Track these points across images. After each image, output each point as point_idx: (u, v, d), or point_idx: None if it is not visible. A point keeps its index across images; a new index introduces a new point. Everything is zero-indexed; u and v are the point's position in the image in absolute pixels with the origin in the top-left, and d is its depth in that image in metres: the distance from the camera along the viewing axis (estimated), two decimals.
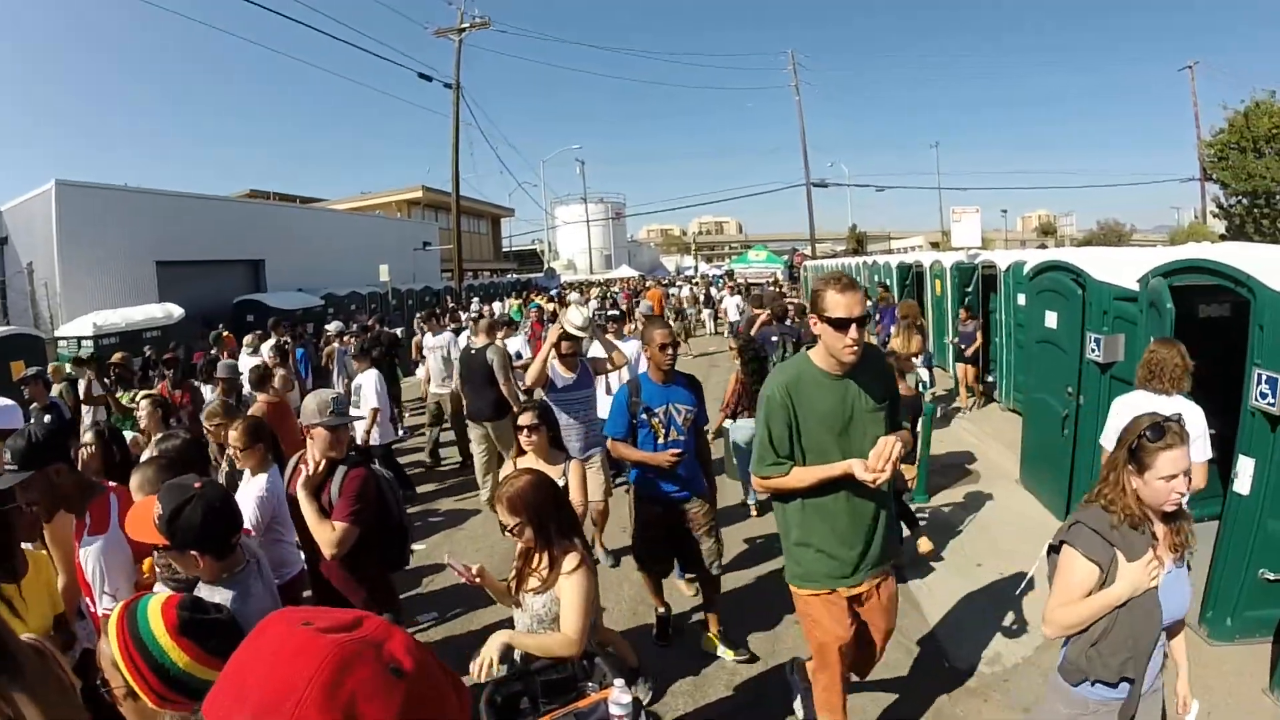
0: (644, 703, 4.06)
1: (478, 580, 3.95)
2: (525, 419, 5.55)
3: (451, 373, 12.13)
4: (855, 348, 3.92)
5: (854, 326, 3.86)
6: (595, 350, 8.93)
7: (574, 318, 7.96)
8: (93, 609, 3.98)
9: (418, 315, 21.67)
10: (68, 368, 13.16)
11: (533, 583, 3.99)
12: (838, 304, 3.87)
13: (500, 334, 11.88)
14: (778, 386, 4.09)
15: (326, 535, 4.39)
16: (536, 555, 3.98)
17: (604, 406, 7.91)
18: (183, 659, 2.05)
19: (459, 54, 34.76)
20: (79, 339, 20.84)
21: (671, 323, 12.65)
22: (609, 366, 8.37)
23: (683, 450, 5.90)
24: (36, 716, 2.54)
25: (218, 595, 2.97)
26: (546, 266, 62.53)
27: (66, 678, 2.84)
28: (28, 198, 27.48)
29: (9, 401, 7.07)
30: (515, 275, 60.07)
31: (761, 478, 4.22)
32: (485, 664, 3.55)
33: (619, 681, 3.34)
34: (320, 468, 4.59)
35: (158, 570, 3.48)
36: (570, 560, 3.89)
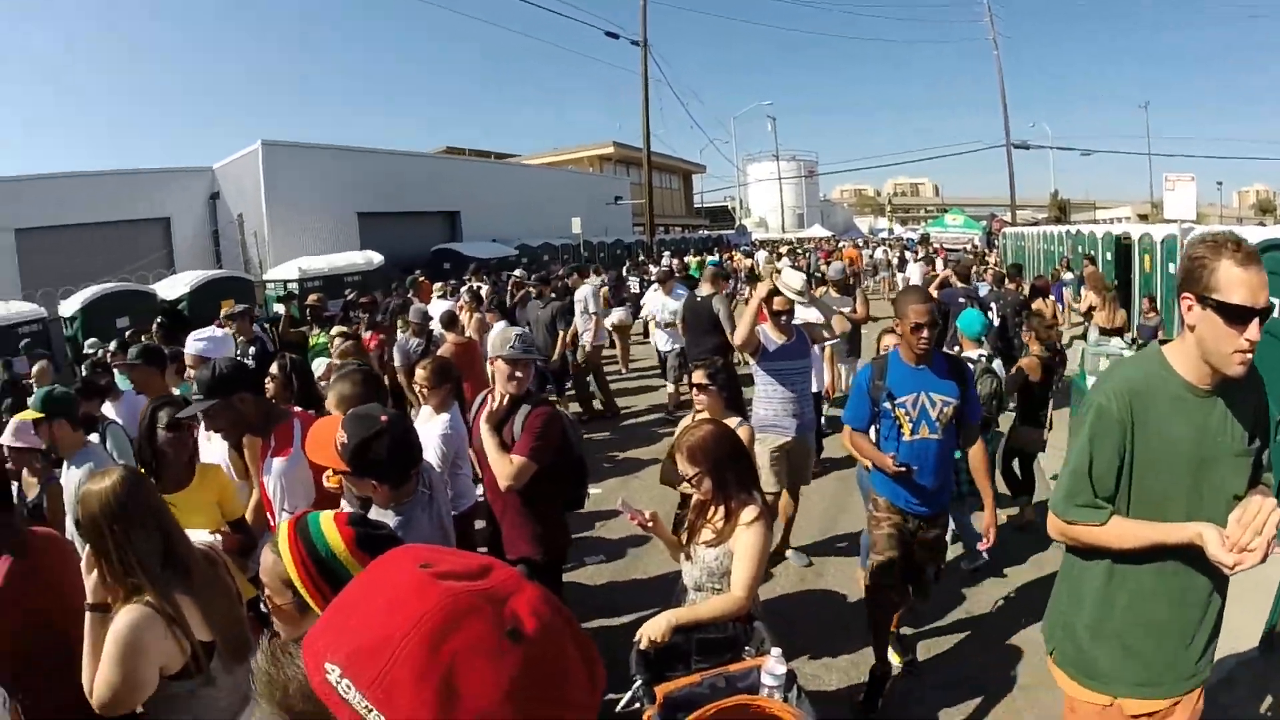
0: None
1: (650, 525, 3.84)
2: (697, 376, 5.49)
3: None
4: (1249, 354, 2.53)
5: (1256, 322, 2.48)
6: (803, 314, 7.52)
7: (790, 279, 6.93)
8: (272, 525, 4.12)
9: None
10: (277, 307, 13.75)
11: (706, 535, 3.85)
12: (1238, 283, 2.47)
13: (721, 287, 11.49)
14: (1116, 394, 2.75)
15: (504, 468, 4.35)
16: (712, 507, 3.84)
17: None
18: (355, 565, 2.06)
19: (644, 10, 34.65)
20: (284, 282, 22.18)
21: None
22: (826, 335, 7.57)
23: (924, 457, 4.75)
24: (196, 616, 2.74)
25: (386, 519, 3.14)
26: (738, 223, 62.05)
27: (234, 585, 3.03)
28: (237, 156, 29.74)
29: (224, 331, 7.57)
30: (706, 231, 59.51)
31: (1065, 521, 2.87)
32: (647, 640, 3.42)
33: (776, 651, 3.21)
34: (503, 402, 4.53)
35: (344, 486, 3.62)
36: (748, 512, 3.73)
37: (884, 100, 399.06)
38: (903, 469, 4.67)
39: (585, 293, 13.02)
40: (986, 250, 37.33)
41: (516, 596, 0.89)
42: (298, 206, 28.57)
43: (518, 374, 4.53)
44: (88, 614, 2.82)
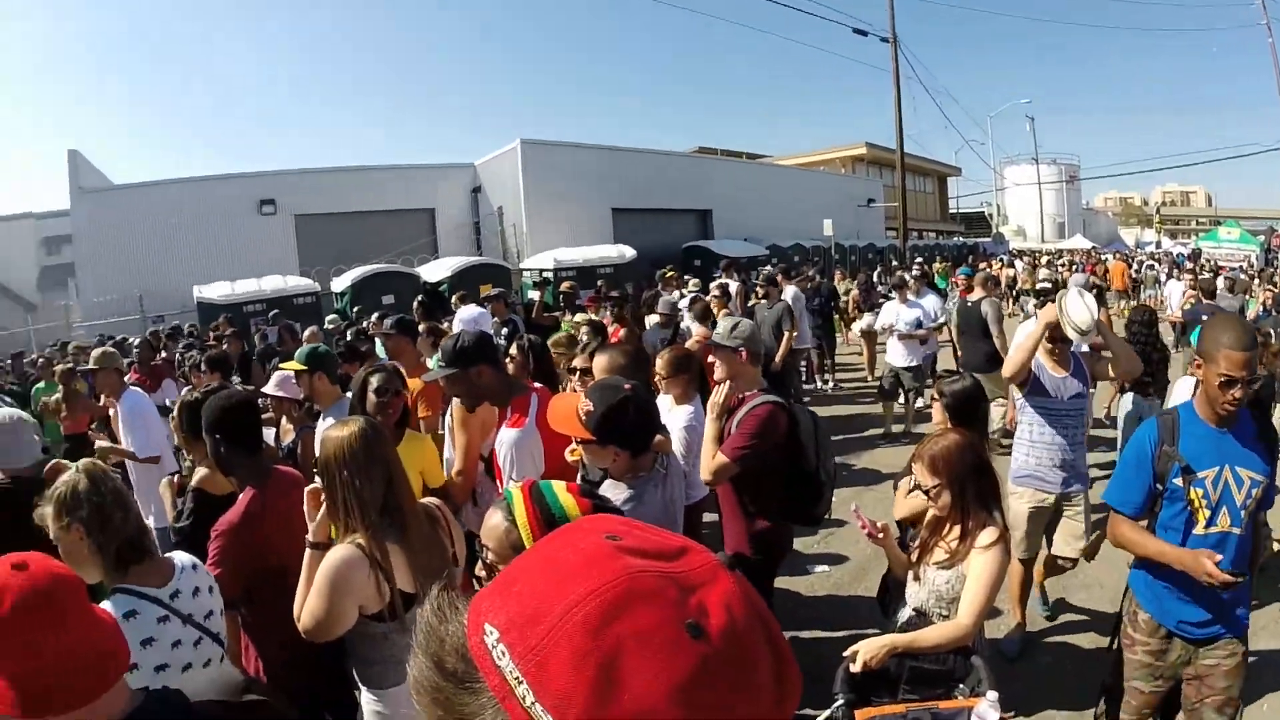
0: None
1: (880, 537, 3.63)
2: (939, 386, 4.96)
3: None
4: None
5: None
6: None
7: (1076, 313, 5.21)
8: (499, 493, 4.17)
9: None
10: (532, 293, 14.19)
11: (938, 555, 3.59)
12: None
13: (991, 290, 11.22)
14: None
15: (706, 462, 4.29)
16: (949, 524, 3.58)
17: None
18: None
19: (891, 5, 33.72)
20: (540, 270, 22.93)
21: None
22: (1111, 374, 5.83)
23: (1237, 559, 3.43)
24: (403, 565, 2.93)
25: (618, 492, 3.23)
26: (994, 231, 59.70)
27: (450, 546, 3.19)
28: (498, 154, 31.94)
29: (482, 310, 7.95)
30: (961, 239, 57.36)
31: None
32: (861, 662, 3.22)
33: (992, 695, 2.93)
34: (728, 394, 4.41)
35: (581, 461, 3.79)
36: (987, 534, 3.43)
37: (1151, 98, 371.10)
38: (1234, 579, 3.21)
39: (789, 295, 12.69)
40: (1265, 268, 33.72)
41: (709, 587, 0.78)
42: (554, 201, 29.78)
43: (722, 360, 4.48)
44: (307, 550, 3.05)
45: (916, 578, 3.65)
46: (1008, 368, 5.63)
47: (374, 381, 4.71)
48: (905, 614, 3.69)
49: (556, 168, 30.37)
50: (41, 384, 11.44)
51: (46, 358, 13.75)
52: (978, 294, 10.39)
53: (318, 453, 3.19)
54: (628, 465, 3.31)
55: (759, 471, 4.28)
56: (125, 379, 7.34)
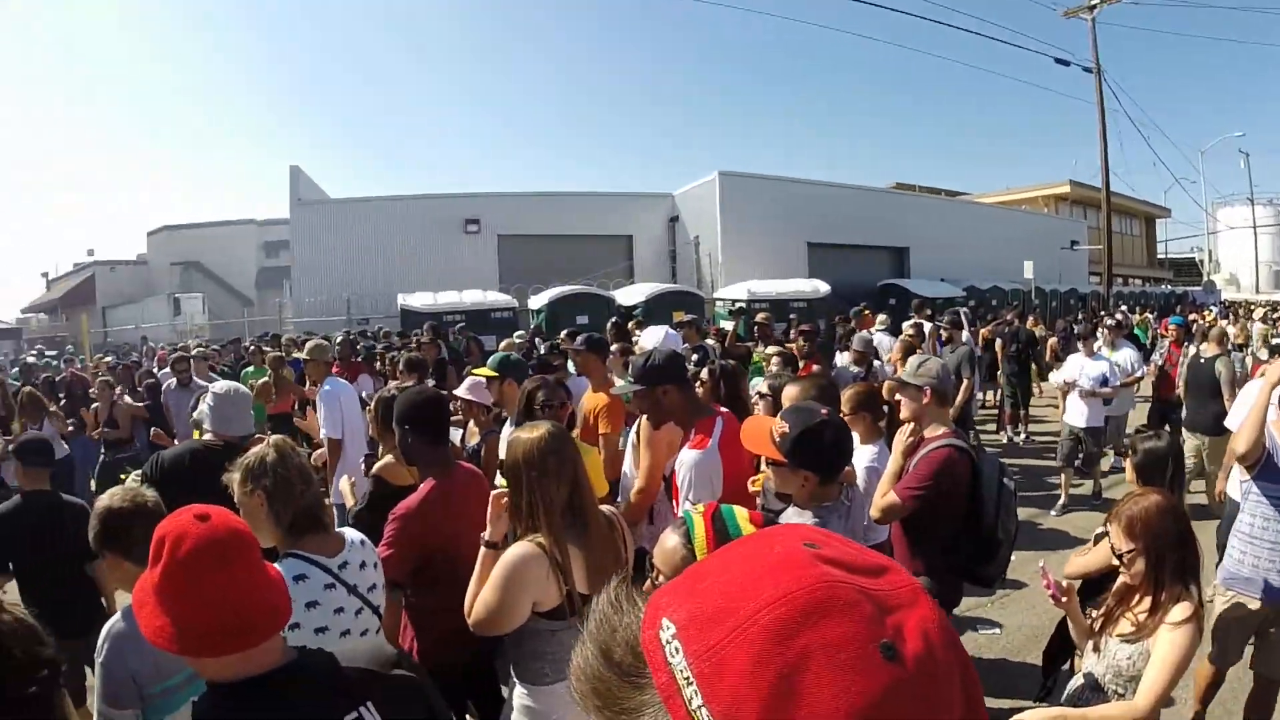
0: None
1: (1065, 600, 3.33)
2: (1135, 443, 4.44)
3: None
4: None
5: None
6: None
7: None
8: (675, 512, 4.33)
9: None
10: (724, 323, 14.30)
11: (1124, 626, 3.24)
12: None
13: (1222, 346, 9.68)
14: None
15: (878, 499, 4.21)
16: (1139, 594, 3.22)
17: None
18: None
19: (1094, 34, 32.12)
20: (733, 300, 23.00)
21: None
22: None
23: None
24: (580, 567, 2.99)
25: (802, 521, 3.18)
26: (1205, 279, 55.86)
27: (624, 552, 3.22)
28: (696, 185, 32.50)
29: (672, 331, 8.08)
30: (1169, 286, 53.85)
31: None
32: None
33: None
34: (910, 433, 4.33)
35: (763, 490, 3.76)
36: (1180, 610, 3.06)
37: None
38: None
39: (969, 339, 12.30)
40: None
41: (908, 610, 0.73)
42: (750, 232, 29.90)
43: (907, 399, 4.39)
44: (482, 548, 3.16)
45: (1096, 648, 3.36)
46: (1240, 441, 4.50)
47: (540, 395, 4.90)
48: (1076, 683, 3.44)
49: (753, 200, 30.54)
50: (251, 368, 12.52)
51: (258, 346, 14.84)
52: (1212, 350, 9.40)
53: (502, 455, 3.31)
54: (814, 492, 3.29)
55: (931, 518, 4.12)
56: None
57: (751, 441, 3.49)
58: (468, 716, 4.10)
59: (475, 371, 6.31)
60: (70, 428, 10.62)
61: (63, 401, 11.78)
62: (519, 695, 3.17)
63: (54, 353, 27.02)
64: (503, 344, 11.84)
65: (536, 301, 23.52)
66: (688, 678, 0.69)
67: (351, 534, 3.12)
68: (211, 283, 43.63)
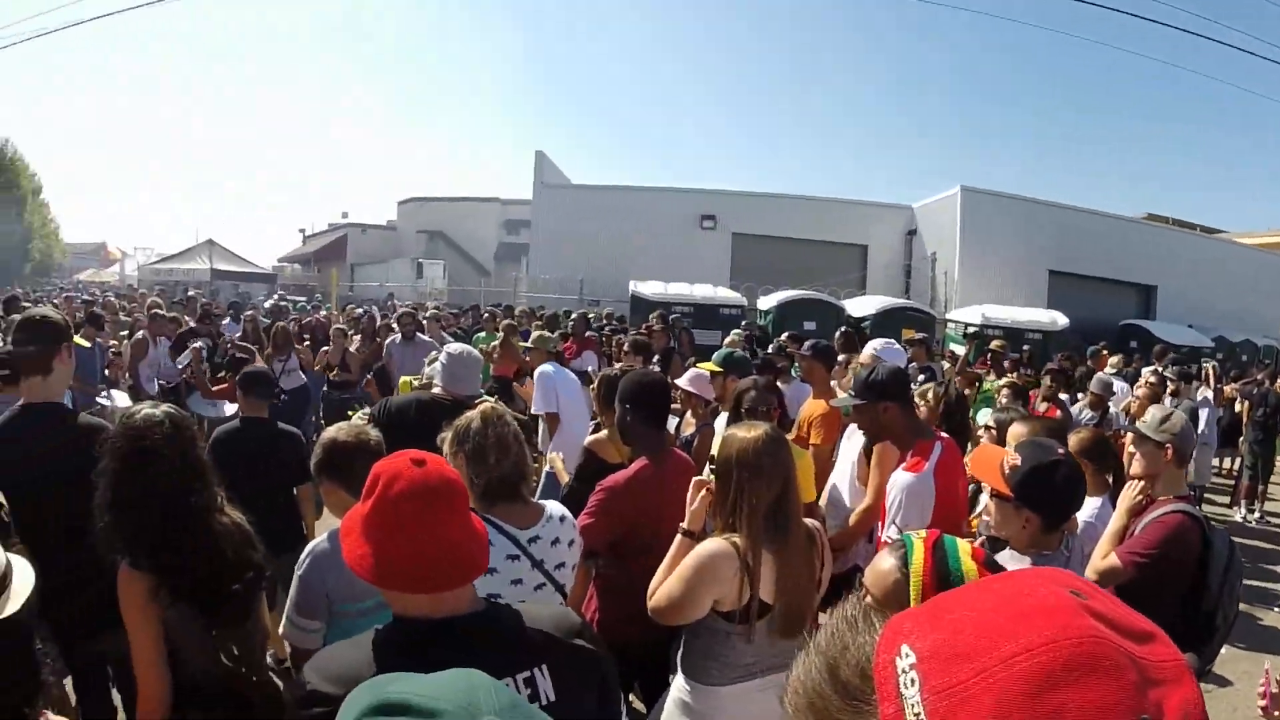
0: None
1: (1276, 715, 2.70)
2: None
3: None
4: None
5: None
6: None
7: None
8: (879, 535, 4.25)
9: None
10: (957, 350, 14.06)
11: None
12: None
13: None
14: None
15: (1096, 559, 3.90)
16: None
17: None
18: None
19: None
20: (965, 324, 22.34)
21: None
22: None
23: None
24: (770, 575, 2.95)
25: (1017, 566, 2.98)
26: None
27: (818, 569, 3.17)
28: (937, 199, 31.72)
29: (898, 347, 8.04)
30: None
31: None
32: None
33: None
34: (1140, 491, 3.96)
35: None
36: None
37: None
38: None
39: (1203, 396, 11.37)
40: None
41: (1172, 687, 0.66)
42: (989, 254, 28.86)
43: (1143, 455, 4.00)
44: (679, 536, 3.21)
45: None
46: None
47: (747, 399, 4.87)
48: None
49: (995, 219, 29.49)
50: (483, 333, 13.22)
51: (492, 313, 16.08)
52: None
53: (714, 450, 3.33)
54: (1034, 536, 3.07)
55: (1153, 588, 3.66)
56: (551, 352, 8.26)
57: (979, 468, 3.36)
58: (632, 696, 4.16)
59: (700, 365, 6.41)
60: (314, 365, 11.82)
61: (305, 342, 12.76)
62: (679, 688, 3.20)
63: (303, 299, 28.75)
64: (727, 340, 11.99)
65: (766, 302, 23.44)
66: (918, 714, 0.66)
67: (554, 509, 3.19)
68: (453, 252, 46.05)
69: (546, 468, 5.99)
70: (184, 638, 2.72)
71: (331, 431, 3.33)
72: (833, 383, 6.59)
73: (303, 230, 63.14)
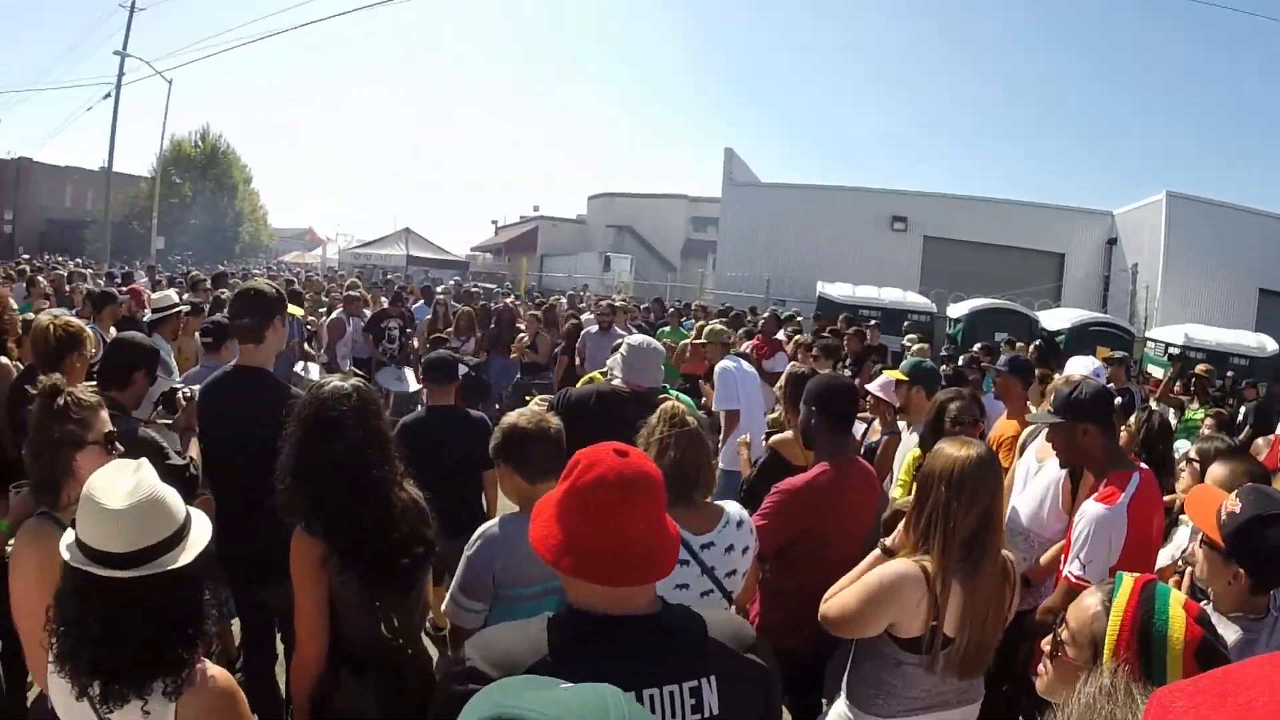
0: None
1: None
2: None
3: None
4: None
5: None
6: None
7: None
8: (1060, 569, 3.98)
9: None
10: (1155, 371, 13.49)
11: None
12: None
13: None
14: None
15: None
16: None
17: None
18: (1178, 671, 1.83)
19: None
20: (1166, 345, 20.82)
21: None
22: None
23: None
24: (956, 605, 2.81)
25: (1225, 629, 2.67)
26: None
27: (1008, 603, 3.03)
28: (1139, 205, 29.56)
29: (1099, 364, 7.73)
30: None
31: None
32: None
33: None
34: None
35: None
36: None
37: None
38: None
39: None
40: None
41: None
42: (1195, 267, 26.73)
43: None
44: (877, 551, 3.16)
45: None
46: None
47: (953, 409, 4.74)
48: None
49: (1204, 230, 27.08)
50: (667, 328, 13.66)
51: (676, 309, 16.40)
52: None
53: (898, 461, 3.21)
54: (1240, 596, 2.72)
55: None
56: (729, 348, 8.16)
57: (1195, 509, 3.05)
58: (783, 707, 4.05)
59: (888, 372, 6.34)
60: (488, 349, 12.55)
61: (492, 327, 13.15)
62: (840, 711, 3.12)
63: (492, 286, 29.57)
64: (914, 348, 11.57)
65: (956, 310, 22.52)
66: None
67: (734, 512, 3.20)
68: (641, 247, 46.31)
69: (721, 464, 6.01)
70: (348, 605, 2.84)
71: (512, 417, 3.34)
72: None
73: (495, 221, 65.96)
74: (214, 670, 2.24)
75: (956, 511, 2.82)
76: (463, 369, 6.30)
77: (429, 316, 13.96)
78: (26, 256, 30.99)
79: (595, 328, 11.80)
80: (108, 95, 39.82)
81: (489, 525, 3.19)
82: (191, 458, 4.31)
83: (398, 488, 3.01)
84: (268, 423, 3.22)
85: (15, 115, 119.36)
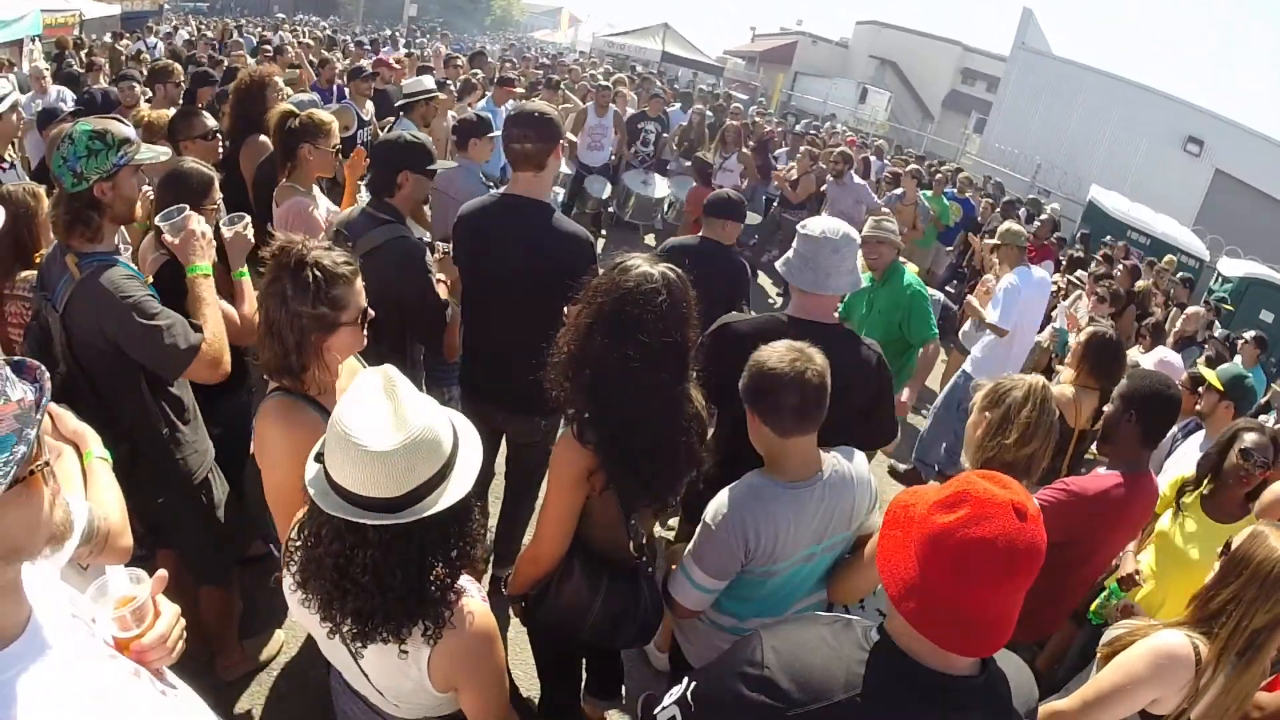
0: None
1: None
2: None
3: None
4: None
5: None
6: None
7: None
8: None
9: None
10: None
11: None
12: None
13: None
14: None
15: None
16: None
17: None
18: None
19: None
20: None
21: None
22: None
23: None
24: (1213, 692, 2.61)
25: None
26: None
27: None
28: None
29: None
30: None
31: None
32: None
33: None
34: None
35: None
36: None
37: None
38: None
39: None
40: None
41: None
42: None
43: None
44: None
45: None
46: None
47: (1247, 440, 3.81)
48: None
49: None
50: (929, 193, 12.71)
51: (942, 173, 15.25)
52: None
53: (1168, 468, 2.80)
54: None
55: None
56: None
57: None
58: None
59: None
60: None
61: (750, 146, 12.95)
62: None
63: (745, 97, 28.74)
64: (1189, 317, 9.67)
65: (1229, 266, 16.89)
66: None
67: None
68: (902, 86, 44.13)
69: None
70: (601, 523, 2.72)
71: (765, 353, 2.67)
72: None
73: (753, 28, 62.32)
74: (472, 607, 2.04)
75: (1259, 611, 2.59)
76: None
77: (684, 123, 13.58)
78: (281, 16, 31.83)
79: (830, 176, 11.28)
80: None
81: (736, 491, 2.71)
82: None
83: (688, 400, 2.72)
84: (542, 262, 3.36)
85: None
